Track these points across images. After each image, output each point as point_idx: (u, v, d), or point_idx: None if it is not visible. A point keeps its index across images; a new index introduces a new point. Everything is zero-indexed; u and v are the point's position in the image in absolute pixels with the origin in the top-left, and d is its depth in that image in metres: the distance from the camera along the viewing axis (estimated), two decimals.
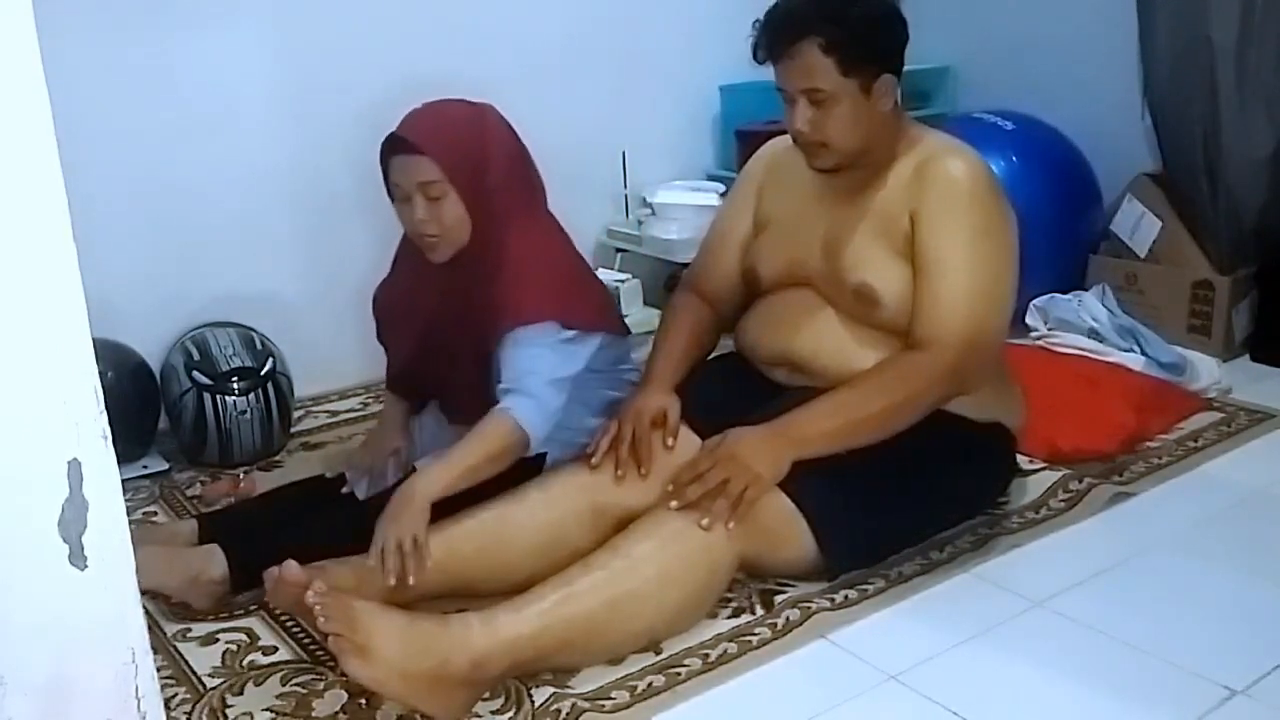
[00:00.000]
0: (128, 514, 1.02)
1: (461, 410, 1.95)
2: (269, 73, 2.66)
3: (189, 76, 2.57)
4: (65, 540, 0.95)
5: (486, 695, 1.62)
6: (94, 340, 0.97)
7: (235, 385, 2.44)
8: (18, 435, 0.92)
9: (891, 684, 1.64)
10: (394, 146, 1.84)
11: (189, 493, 2.36)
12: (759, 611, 1.82)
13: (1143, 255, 3.01)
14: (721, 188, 3.15)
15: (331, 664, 1.68)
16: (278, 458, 2.53)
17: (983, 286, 1.87)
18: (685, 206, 3.15)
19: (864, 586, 1.88)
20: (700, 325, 2.12)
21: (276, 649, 1.78)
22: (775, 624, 1.79)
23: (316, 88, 2.72)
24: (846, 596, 1.86)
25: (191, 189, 2.62)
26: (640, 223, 3.26)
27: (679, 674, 1.67)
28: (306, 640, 1.79)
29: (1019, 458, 2.18)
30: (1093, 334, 2.83)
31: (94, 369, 0.96)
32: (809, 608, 1.83)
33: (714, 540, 1.73)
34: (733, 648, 1.73)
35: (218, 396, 2.42)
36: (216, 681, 1.70)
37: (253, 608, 1.88)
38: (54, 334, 0.93)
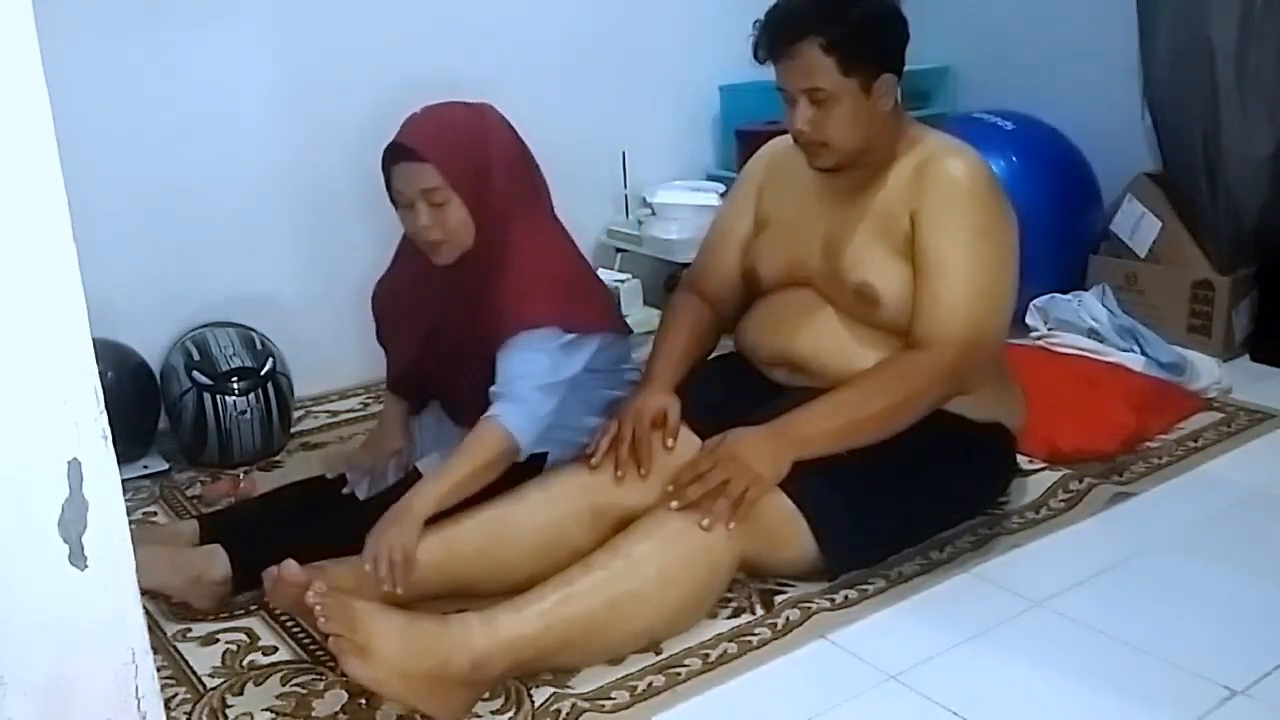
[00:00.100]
0: (128, 514, 1.02)
1: (466, 412, 1.95)
2: (269, 73, 2.67)
3: (189, 76, 2.57)
4: (65, 540, 0.95)
5: (486, 695, 1.62)
6: (94, 340, 0.97)
7: (235, 385, 2.44)
8: (18, 435, 0.92)
9: (891, 684, 1.64)
10: (395, 154, 1.84)
11: (189, 493, 2.36)
12: (759, 611, 1.82)
13: (1143, 255, 3.01)
14: (721, 188, 3.15)
15: (331, 664, 1.68)
16: (278, 458, 2.53)
17: (983, 286, 1.87)
18: (685, 206, 3.15)
19: (864, 586, 1.88)
20: (700, 325, 2.12)
21: (276, 649, 1.78)
22: (775, 624, 1.79)
23: (316, 88, 2.72)
24: (846, 596, 1.86)
25: (191, 189, 2.62)
26: (640, 223, 3.26)
27: (679, 674, 1.67)
28: (306, 640, 1.79)
29: (1019, 458, 2.18)
30: (1093, 334, 2.83)
31: (94, 369, 0.96)
32: (809, 608, 1.83)
33: (714, 540, 1.73)
34: (733, 648, 1.73)
35: (218, 396, 2.42)
36: (216, 681, 1.70)
37: (253, 608, 1.88)
38: (54, 334, 0.93)
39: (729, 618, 1.81)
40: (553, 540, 1.80)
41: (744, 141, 3.13)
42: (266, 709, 1.63)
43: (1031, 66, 3.30)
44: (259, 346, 2.52)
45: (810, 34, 1.81)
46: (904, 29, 1.90)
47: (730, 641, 1.75)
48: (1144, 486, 2.23)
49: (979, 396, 1.93)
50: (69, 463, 0.94)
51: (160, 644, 1.77)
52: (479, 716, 1.59)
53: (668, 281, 3.23)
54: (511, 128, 1.94)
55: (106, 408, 0.97)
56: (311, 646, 1.77)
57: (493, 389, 1.84)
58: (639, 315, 3.07)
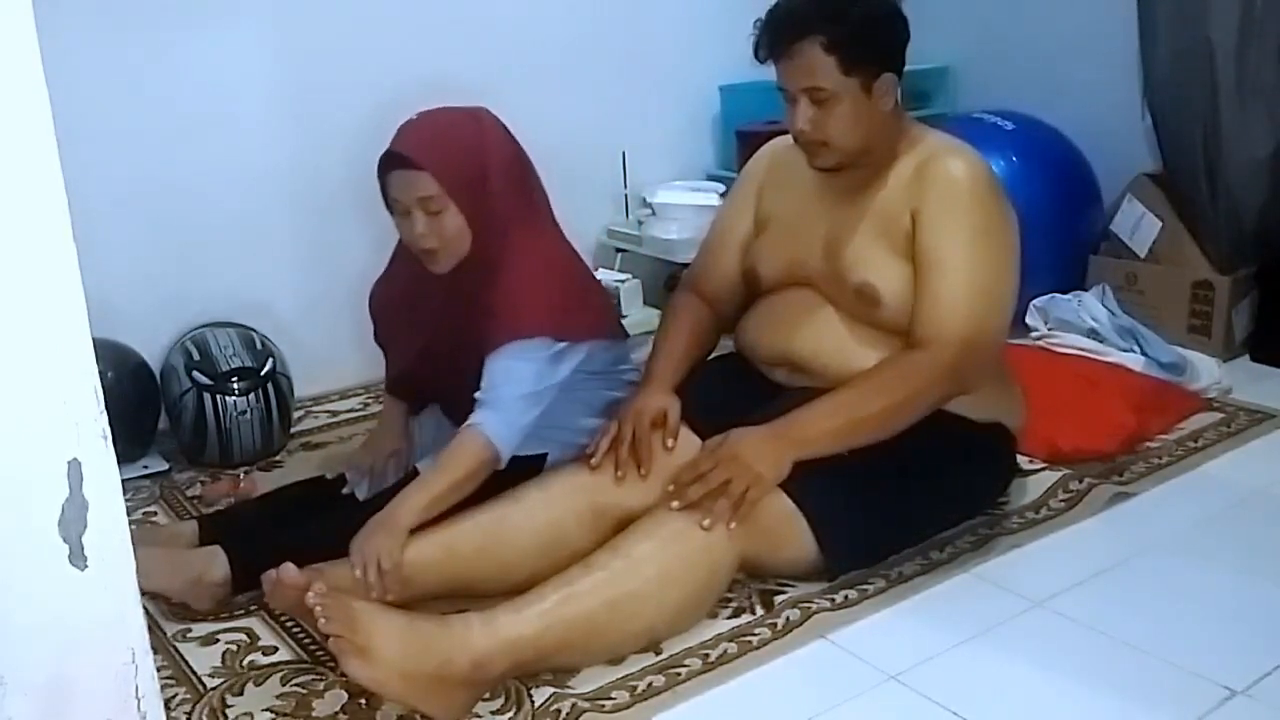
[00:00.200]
0: (128, 514, 1.02)
1: (464, 414, 1.94)
2: (269, 73, 2.67)
3: (189, 76, 2.57)
4: (65, 540, 0.95)
5: (487, 695, 1.62)
6: (94, 340, 0.96)
7: (235, 385, 2.44)
8: (18, 435, 0.92)
9: (891, 684, 1.64)
10: (391, 161, 1.82)
11: (189, 493, 2.36)
12: (759, 611, 1.82)
13: (1143, 255, 3.01)
14: (721, 188, 3.15)
15: (331, 664, 1.68)
16: (278, 458, 2.53)
17: (983, 286, 1.87)
18: (685, 206, 3.15)
19: (864, 586, 1.88)
20: (700, 325, 2.12)
21: (276, 649, 1.78)
22: (775, 624, 1.79)
23: (316, 88, 2.72)
24: (846, 596, 1.86)
25: (191, 189, 2.62)
26: (640, 223, 3.26)
27: (679, 674, 1.67)
28: (306, 640, 1.79)
29: (1019, 458, 2.18)
30: (1093, 334, 2.83)
31: (94, 369, 0.96)
32: (809, 608, 1.83)
33: (714, 540, 1.73)
34: (733, 648, 1.73)
35: (218, 396, 2.42)
36: (216, 681, 1.70)
37: (253, 608, 1.88)
38: (54, 334, 0.93)
39: (729, 618, 1.81)
40: (553, 540, 1.80)
41: (744, 141, 3.13)
42: (266, 709, 1.63)
43: (1031, 66, 3.30)
44: (259, 346, 2.52)
45: (811, 33, 1.81)
46: (905, 29, 1.90)
47: (730, 641, 1.75)
48: (1144, 486, 2.23)
49: (979, 396, 1.93)
50: (69, 463, 0.94)
51: (160, 644, 1.77)
52: (479, 716, 1.59)
53: (668, 281, 3.23)
54: (508, 132, 1.93)
55: (106, 408, 0.97)
56: (311, 647, 1.77)
57: (477, 395, 1.84)
58: (639, 315, 3.07)
